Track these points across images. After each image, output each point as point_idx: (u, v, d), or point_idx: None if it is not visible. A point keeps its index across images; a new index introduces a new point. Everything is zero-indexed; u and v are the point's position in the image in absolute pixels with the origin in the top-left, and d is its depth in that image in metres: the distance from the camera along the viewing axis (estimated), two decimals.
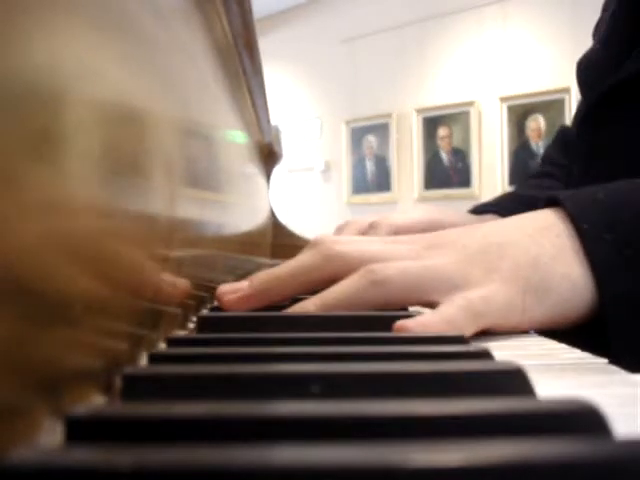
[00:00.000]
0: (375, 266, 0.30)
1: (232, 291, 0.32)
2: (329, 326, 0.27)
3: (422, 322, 0.26)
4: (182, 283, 0.29)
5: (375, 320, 0.28)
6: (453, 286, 0.29)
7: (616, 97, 0.50)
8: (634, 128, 0.48)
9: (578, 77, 0.63)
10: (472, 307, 0.28)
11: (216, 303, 0.37)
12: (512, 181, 3.17)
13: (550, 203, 0.33)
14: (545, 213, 0.32)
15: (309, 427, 0.12)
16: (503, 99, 3.22)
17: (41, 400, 0.13)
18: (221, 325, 0.28)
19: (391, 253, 0.32)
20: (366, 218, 0.57)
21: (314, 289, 0.32)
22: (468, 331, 0.27)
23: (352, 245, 0.33)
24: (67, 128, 0.14)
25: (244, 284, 0.32)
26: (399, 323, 0.26)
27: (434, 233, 0.34)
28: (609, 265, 0.29)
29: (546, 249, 0.30)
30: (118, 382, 0.17)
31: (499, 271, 0.29)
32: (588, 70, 0.60)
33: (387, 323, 0.26)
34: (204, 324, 0.27)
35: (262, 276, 0.32)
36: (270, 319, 0.28)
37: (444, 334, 0.25)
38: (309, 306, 0.30)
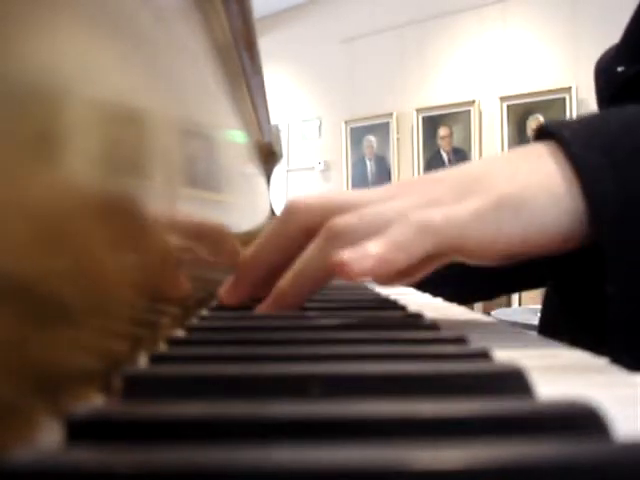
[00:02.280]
0: (334, 219, 0.28)
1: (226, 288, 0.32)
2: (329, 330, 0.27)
3: (365, 253, 0.25)
4: (182, 282, 0.29)
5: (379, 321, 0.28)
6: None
7: (630, 92, 0.50)
8: None
9: (595, 73, 0.62)
10: (425, 223, 0.26)
11: (215, 303, 0.37)
12: None
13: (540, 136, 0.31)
14: (532, 144, 0.31)
15: (309, 428, 0.12)
16: (503, 99, 3.22)
17: (41, 400, 0.13)
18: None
19: (355, 200, 0.30)
20: None
21: (292, 251, 0.30)
22: (420, 250, 0.26)
23: (317, 197, 0.31)
24: (66, 128, 0.14)
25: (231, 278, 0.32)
26: (338, 257, 0.25)
27: (411, 179, 0.32)
28: (595, 166, 0.26)
29: (525, 166, 0.28)
30: (118, 382, 0.17)
31: (473, 192, 0.28)
32: (603, 64, 0.59)
33: (390, 324, 0.26)
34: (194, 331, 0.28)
35: (242, 261, 0.32)
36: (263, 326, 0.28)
37: (444, 335, 0.25)
38: (281, 285, 0.29)
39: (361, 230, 0.27)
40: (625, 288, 0.26)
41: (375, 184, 3.73)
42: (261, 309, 0.30)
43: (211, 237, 0.37)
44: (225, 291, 0.32)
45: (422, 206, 0.27)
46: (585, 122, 0.29)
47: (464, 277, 0.36)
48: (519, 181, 0.27)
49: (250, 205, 0.72)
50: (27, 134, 0.12)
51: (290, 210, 0.31)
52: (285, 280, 0.30)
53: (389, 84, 3.68)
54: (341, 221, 0.28)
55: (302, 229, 0.30)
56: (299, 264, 0.29)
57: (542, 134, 0.31)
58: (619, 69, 0.52)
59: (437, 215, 0.26)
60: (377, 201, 0.29)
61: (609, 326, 0.26)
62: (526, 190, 0.27)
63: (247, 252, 0.32)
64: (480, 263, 0.29)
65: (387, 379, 0.16)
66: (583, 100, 2.96)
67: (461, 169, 0.30)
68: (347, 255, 0.25)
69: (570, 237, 0.27)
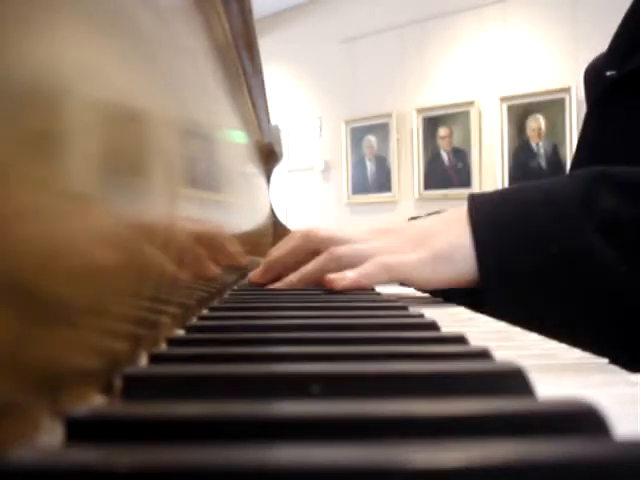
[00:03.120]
0: (334, 248, 0.46)
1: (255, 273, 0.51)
2: (332, 329, 0.27)
3: (344, 276, 0.43)
4: (182, 281, 0.29)
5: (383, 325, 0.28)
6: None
7: (616, 95, 0.52)
8: (633, 125, 0.49)
9: (584, 79, 0.65)
10: (386, 264, 0.43)
11: (215, 303, 0.37)
12: (512, 181, 3.17)
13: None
14: (462, 208, 0.45)
15: (309, 427, 0.12)
16: (503, 99, 3.22)
17: (41, 400, 0.13)
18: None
19: (348, 237, 0.47)
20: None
21: (301, 260, 0.48)
22: (378, 280, 0.43)
23: (326, 230, 0.49)
24: (66, 128, 0.14)
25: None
26: (327, 277, 0.43)
27: (386, 227, 0.48)
28: (485, 243, 0.42)
29: (453, 231, 0.44)
30: (118, 382, 0.17)
31: (422, 246, 0.44)
32: (592, 71, 0.62)
33: (393, 326, 0.26)
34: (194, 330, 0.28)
35: (269, 258, 0.50)
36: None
37: (445, 334, 0.25)
38: (291, 278, 0.47)
39: (348, 258, 0.45)
40: (494, 307, 0.40)
41: (375, 184, 3.73)
42: (276, 286, 0.48)
43: (215, 239, 0.37)
44: (254, 275, 0.50)
45: (388, 251, 0.45)
46: (494, 201, 0.44)
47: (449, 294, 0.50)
48: (448, 242, 0.43)
49: (250, 205, 0.72)
50: (27, 134, 0.12)
51: (309, 234, 0.49)
52: (294, 276, 0.48)
53: (389, 84, 3.68)
54: (339, 250, 0.46)
55: (311, 249, 0.48)
56: (306, 268, 0.47)
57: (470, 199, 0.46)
58: (608, 73, 0.54)
59: (394, 260, 0.43)
60: (362, 241, 0.47)
61: (482, 281, 0.42)
62: (451, 249, 0.43)
63: (273, 253, 0.50)
64: (422, 289, 0.48)
65: (387, 379, 0.16)
66: (583, 100, 2.97)
67: (417, 226, 0.47)
68: (334, 276, 0.44)
69: (471, 280, 0.43)
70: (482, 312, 0.38)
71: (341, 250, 0.45)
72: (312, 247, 0.48)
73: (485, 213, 0.43)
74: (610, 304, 0.38)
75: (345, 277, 0.42)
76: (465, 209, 0.45)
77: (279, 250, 0.50)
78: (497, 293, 0.40)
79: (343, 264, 0.44)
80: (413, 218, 0.70)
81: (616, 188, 0.39)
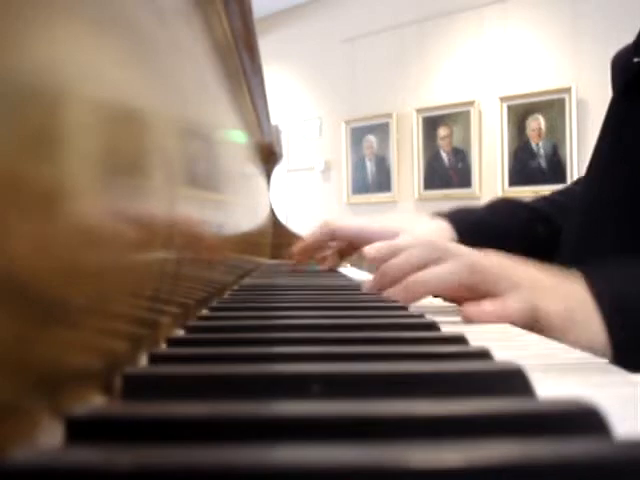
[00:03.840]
0: (472, 258, 0.39)
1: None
2: (329, 329, 0.27)
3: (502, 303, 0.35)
4: (182, 281, 0.29)
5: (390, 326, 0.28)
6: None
7: None
8: None
9: (612, 69, 0.62)
10: (533, 305, 0.36)
11: (215, 303, 0.37)
12: (512, 181, 3.17)
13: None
14: (582, 289, 0.38)
15: (309, 427, 0.12)
16: (503, 99, 3.22)
17: (41, 400, 0.13)
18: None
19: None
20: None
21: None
22: (519, 322, 0.34)
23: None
24: (66, 128, 0.14)
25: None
26: (471, 310, 0.35)
27: (508, 258, 0.41)
28: (620, 344, 0.35)
29: (578, 300, 0.37)
30: (118, 382, 0.17)
31: (552, 301, 0.37)
32: (619, 60, 0.60)
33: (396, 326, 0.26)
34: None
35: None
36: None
37: (445, 335, 0.25)
38: (421, 276, 0.39)
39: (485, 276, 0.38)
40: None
41: (375, 184, 3.73)
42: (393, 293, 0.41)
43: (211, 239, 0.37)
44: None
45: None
46: (613, 286, 0.38)
47: None
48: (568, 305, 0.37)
49: (250, 205, 0.72)
50: (27, 134, 0.12)
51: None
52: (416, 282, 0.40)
53: (389, 84, 3.68)
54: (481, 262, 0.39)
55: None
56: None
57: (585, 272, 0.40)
58: (635, 60, 0.52)
59: (542, 312, 0.37)
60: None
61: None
62: (574, 313, 0.36)
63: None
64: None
65: (387, 379, 0.16)
66: (583, 100, 2.96)
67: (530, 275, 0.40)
68: (480, 309, 0.36)
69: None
70: None
71: (484, 263, 0.38)
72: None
73: (612, 297, 0.37)
74: None
75: (494, 311, 0.35)
76: (579, 281, 0.39)
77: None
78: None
79: (477, 279, 0.38)
80: (439, 214, 0.68)
81: None
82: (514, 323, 0.34)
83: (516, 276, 0.38)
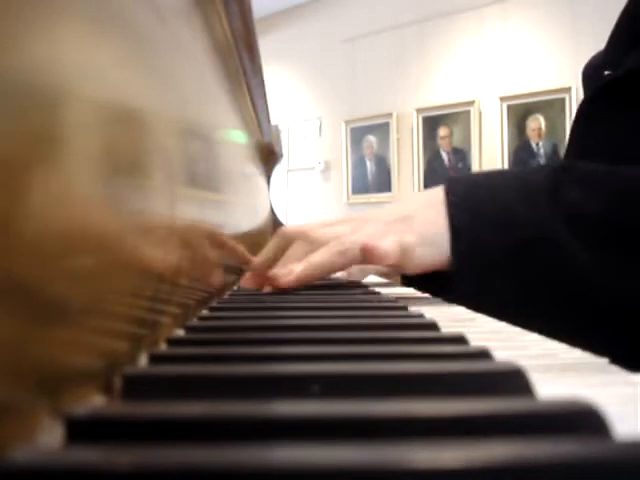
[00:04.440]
0: (337, 241, 0.44)
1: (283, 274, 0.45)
2: (332, 330, 0.27)
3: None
4: (181, 281, 0.29)
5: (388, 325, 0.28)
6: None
7: (609, 94, 0.52)
8: (621, 127, 0.50)
9: (582, 78, 0.66)
10: (399, 242, 0.43)
11: (215, 303, 0.37)
12: None
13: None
14: (438, 190, 0.46)
15: (309, 427, 0.12)
16: (503, 99, 3.22)
17: (41, 400, 0.13)
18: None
19: (342, 232, 0.46)
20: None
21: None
22: (396, 258, 0.42)
23: (296, 225, 0.51)
24: (66, 128, 0.14)
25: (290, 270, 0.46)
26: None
27: (363, 214, 0.48)
28: (459, 226, 0.43)
29: (431, 215, 0.44)
30: (118, 382, 0.17)
31: (404, 230, 0.44)
32: (590, 69, 0.63)
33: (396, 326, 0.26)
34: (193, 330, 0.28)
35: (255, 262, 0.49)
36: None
37: (444, 335, 0.25)
38: (296, 267, 0.44)
39: (351, 253, 0.44)
40: (464, 292, 0.43)
41: (375, 184, 3.73)
42: (275, 285, 0.45)
43: (216, 240, 0.37)
44: (244, 281, 0.48)
45: (373, 237, 0.44)
46: (469, 186, 0.45)
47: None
48: (429, 226, 0.44)
49: (250, 205, 0.72)
50: (27, 134, 0.12)
51: (282, 230, 0.50)
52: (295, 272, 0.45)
53: (389, 84, 3.68)
54: (317, 233, 0.47)
55: (289, 244, 0.49)
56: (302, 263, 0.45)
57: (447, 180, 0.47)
58: (605, 73, 0.54)
59: (375, 243, 0.43)
60: (339, 227, 0.48)
61: (455, 264, 0.43)
62: (433, 233, 0.44)
63: (258, 258, 0.49)
64: (406, 273, 0.50)
65: (387, 379, 0.16)
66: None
67: (394, 210, 0.47)
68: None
69: (445, 264, 0.44)
70: (450, 299, 0.40)
71: (319, 233, 0.46)
72: (289, 240, 0.48)
73: (461, 198, 0.44)
74: (573, 292, 0.40)
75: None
76: (440, 192, 0.45)
77: (260, 255, 0.49)
78: (468, 278, 0.42)
79: (347, 258, 0.43)
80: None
81: (577, 183, 0.42)
82: (391, 261, 0.42)
83: (373, 229, 0.44)
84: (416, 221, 0.44)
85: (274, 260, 0.48)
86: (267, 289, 0.45)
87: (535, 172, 0.45)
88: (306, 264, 0.44)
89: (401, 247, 0.42)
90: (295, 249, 0.48)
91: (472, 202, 0.43)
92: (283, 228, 0.50)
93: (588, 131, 0.57)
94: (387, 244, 0.42)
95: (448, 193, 0.45)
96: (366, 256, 0.42)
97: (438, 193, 0.46)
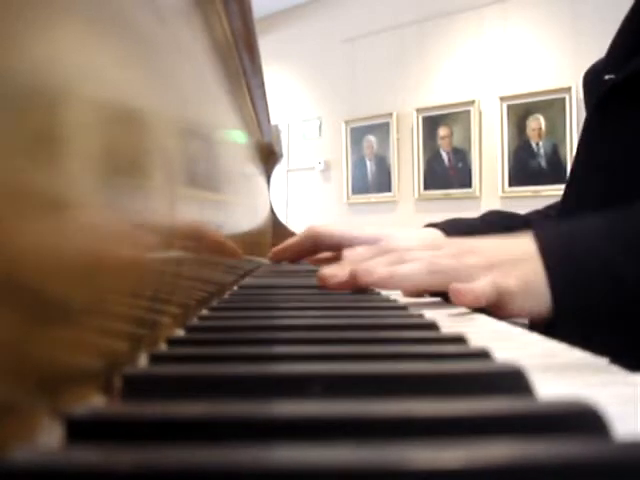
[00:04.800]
0: (432, 259, 0.42)
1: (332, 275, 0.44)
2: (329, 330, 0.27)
3: (471, 287, 0.38)
4: (181, 281, 0.29)
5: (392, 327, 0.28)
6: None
7: (613, 98, 0.52)
8: (629, 130, 0.50)
9: (583, 83, 0.66)
10: (497, 285, 0.39)
11: (215, 303, 0.37)
12: (512, 181, 3.17)
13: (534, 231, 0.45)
14: (526, 240, 0.44)
15: (309, 427, 0.12)
16: (503, 99, 3.22)
17: (41, 400, 0.13)
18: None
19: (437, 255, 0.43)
20: (370, 239, 0.60)
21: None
22: (487, 300, 0.38)
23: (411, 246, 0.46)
24: (66, 128, 0.14)
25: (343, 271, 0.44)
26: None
27: (466, 242, 0.45)
28: (561, 287, 0.41)
29: (529, 265, 0.42)
30: (118, 382, 0.17)
31: (508, 274, 0.41)
32: (590, 75, 0.63)
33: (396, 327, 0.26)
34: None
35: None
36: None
37: (444, 335, 0.25)
38: (381, 271, 0.41)
39: (447, 275, 0.42)
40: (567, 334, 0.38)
41: (375, 184, 3.73)
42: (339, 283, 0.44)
43: (211, 238, 0.37)
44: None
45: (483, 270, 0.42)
46: (562, 238, 0.43)
47: None
48: (531, 274, 0.41)
49: (250, 205, 0.72)
50: (27, 134, 0.12)
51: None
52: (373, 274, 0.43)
53: (389, 84, 3.68)
54: (440, 263, 0.42)
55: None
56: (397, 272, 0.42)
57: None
58: (606, 77, 0.54)
59: (501, 283, 0.40)
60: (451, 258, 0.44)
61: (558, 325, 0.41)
62: (535, 282, 0.41)
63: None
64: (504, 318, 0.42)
65: (387, 379, 0.16)
66: (583, 100, 2.96)
67: (493, 248, 0.44)
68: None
69: (544, 315, 0.41)
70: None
71: (443, 263, 0.42)
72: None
73: (559, 255, 0.42)
74: None
75: (472, 289, 0.39)
76: (530, 242, 0.43)
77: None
78: (570, 331, 0.38)
79: (439, 279, 0.41)
80: (431, 225, 0.69)
81: None
82: (483, 304, 0.39)
83: (474, 262, 0.42)
84: (519, 268, 0.42)
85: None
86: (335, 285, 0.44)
87: (614, 218, 0.43)
88: (392, 271, 0.41)
89: (498, 290, 0.39)
90: (361, 253, 0.45)
91: (570, 256, 0.41)
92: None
93: (599, 137, 0.56)
94: (483, 283, 0.39)
95: (543, 247, 0.42)
96: (456, 288, 0.39)
97: (528, 245, 0.43)
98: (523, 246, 0.44)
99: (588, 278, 0.40)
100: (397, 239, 0.48)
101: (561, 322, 0.40)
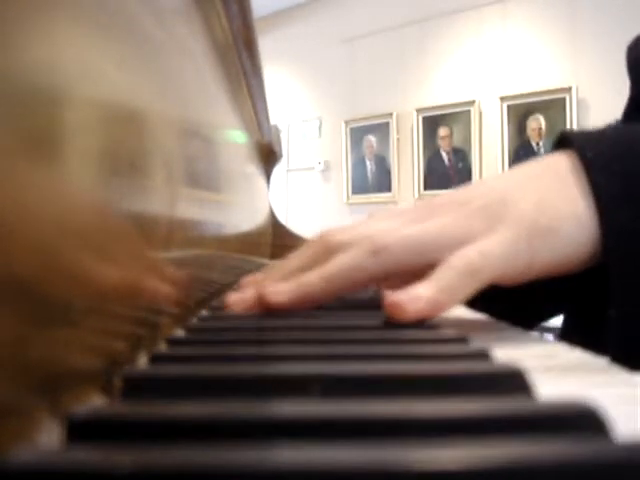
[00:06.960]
0: (373, 236, 0.29)
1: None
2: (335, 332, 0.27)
3: (416, 295, 0.26)
4: (181, 281, 0.29)
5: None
6: (456, 243, 0.28)
7: None
8: None
9: (628, 55, 0.55)
10: (468, 266, 0.27)
11: (215, 303, 0.37)
12: None
13: (560, 144, 0.32)
14: (551, 154, 0.31)
15: (309, 428, 0.12)
16: (503, 99, 3.22)
17: (41, 400, 0.13)
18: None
19: (390, 227, 0.30)
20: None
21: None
22: (467, 293, 0.27)
23: (350, 231, 0.31)
24: (67, 128, 0.14)
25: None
26: (391, 299, 0.26)
27: (433, 198, 0.32)
28: (613, 198, 0.27)
29: (549, 188, 0.29)
30: (118, 382, 0.17)
31: (503, 220, 0.28)
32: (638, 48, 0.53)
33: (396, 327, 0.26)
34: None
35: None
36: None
37: (445, 335, 0.25)
38: (313, 279, 0.29)
39: (400, 250, 0.29)
40: (625, 311, 0.27)
41: (375, 184, 3.73)
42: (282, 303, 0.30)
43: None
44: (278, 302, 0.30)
45: (458, 242, 0.28)
46: (608, 141, 0.30)
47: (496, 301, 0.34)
48: (546, 209, 0.28)
49: (250, 205, 0.72)
50: (27, 134, 0.12)
51: (325, 236, 0.32)
52: (313, 279, 0.30)
53: (389, 84, 3.68)
54: (384, 239, 0.29)
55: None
56: (334, 266, 0.30)
57: (563, 141, 0.31)
58: None
59: (475, 255, 0.27)
60: (403, 220, 0.30)
61: (611, 343, 0.28)
62: (554, 220, 0.28)
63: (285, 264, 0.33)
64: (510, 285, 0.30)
65: (387, 379, 0.16)
66: (583, 100, 2.96)
67: (484, 190, 0.30)
68: (398, 298, 0.26)
69: (587, 260, 0.28)
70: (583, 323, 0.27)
71: (390, 238, 0.29)
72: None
73: (601, 152, 0.28)
74: None
75: (418, 296, 0.26)
76: (556, 153, 0.31)
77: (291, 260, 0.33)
78: (633, 279, 0.26)
79: (390, 259, 0.28)
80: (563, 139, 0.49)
81: None
82: (448, 307, 0.27)
83: (446, 219, 0.29)
84: (521, 204, 0.28)
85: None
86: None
87: None
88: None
89: (487, 260, 0.27)
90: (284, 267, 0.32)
91: (624, 165, 0.28)
92: (327, 232, 0.32)
93: None
94: (441, 275, 0.27)
95: (581, 154, 0.29)
96: (392, 302, 0.26)
97: (551, 157, 0.31)
98: (541, 164, 0.31)
99: None
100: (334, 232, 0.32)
101: (616, 274, 0.27)
